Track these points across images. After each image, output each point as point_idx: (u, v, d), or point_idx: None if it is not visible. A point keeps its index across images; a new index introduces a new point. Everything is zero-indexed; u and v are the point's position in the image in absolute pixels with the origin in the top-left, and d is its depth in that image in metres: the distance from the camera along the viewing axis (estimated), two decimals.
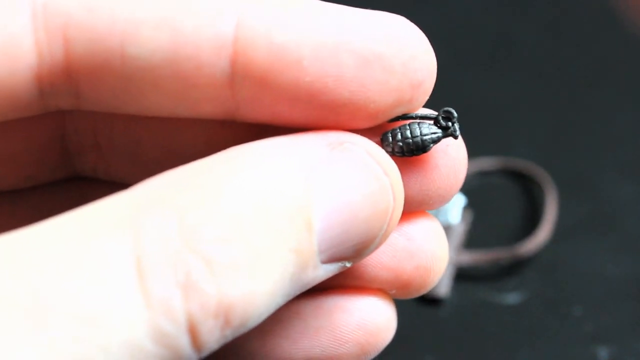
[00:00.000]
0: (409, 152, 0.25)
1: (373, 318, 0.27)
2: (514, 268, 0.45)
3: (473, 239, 0.46)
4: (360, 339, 0.27)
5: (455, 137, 0.25)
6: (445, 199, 0.26)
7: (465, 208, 0.46)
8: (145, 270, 0.20)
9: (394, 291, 0.27)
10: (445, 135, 0.25)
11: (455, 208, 0.46)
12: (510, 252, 0.44)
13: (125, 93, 0.24)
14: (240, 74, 0.23)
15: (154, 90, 0.24)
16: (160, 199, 0.21)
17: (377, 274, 0.27)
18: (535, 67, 0.56)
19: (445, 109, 0.25)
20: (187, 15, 0.23)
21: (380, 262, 0.27)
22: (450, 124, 0.25)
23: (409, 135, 0.25)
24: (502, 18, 0.59)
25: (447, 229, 0.45)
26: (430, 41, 0.24)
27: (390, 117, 0.24)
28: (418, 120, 0.25)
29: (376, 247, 0.24)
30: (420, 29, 0.24)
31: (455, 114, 0.25)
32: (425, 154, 0.25)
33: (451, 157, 0.26)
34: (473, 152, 0.50)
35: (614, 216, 0.47)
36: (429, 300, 0.43)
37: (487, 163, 0.49)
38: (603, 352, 0.41)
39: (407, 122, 0.25)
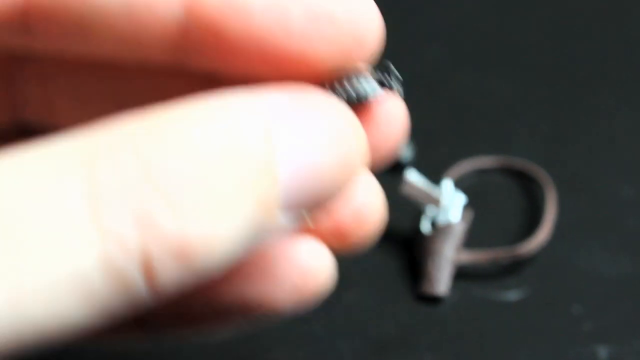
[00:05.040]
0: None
1: (310, 260, 0.27)
2: (514, 267, 0.45)
3: (472, 237, 0.46)
4: (296, 279, 0.27)
5: (392, 90, 0.26)
6: (384, 156, 0.26)
7: (466, 207, 0.46)
8: (99, 201, 0.19)
9: (333, 242, 0.27)
10: (384, 89, 0.26)
11: (456, 207, 0.46)
12: (510, 251, 0.44)
13: (78, 31, 0.24)
14: (192, 21, 0.24)
15: (107, 31, 0.24)
16: (117, 135, 0.20)
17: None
18: (535, 67, 0.56)
19: (383, 62, 0.26)
20: None
21: None
22: (388, 77, 0.26)
23: (349, 89, 0.25)
24: (502, 18, 0.59)
25: (447, 227, 0.45)
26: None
27: (334, 73, 0.25)
28: (358, 76, 0.25)
29: (336, 199, 0.24)
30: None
31: (393, 67, 0.26)
32: (364, 108, 0.26)
33: (387, 111, 0.26)
34: (473, 150, 0.50)
35: (614, 216, 0.47)
36: (428, 299, 0.43)
37: (487, 162, 0.49)
38: (603, 352, 0.41)
39: (347, 76, 0.25)
